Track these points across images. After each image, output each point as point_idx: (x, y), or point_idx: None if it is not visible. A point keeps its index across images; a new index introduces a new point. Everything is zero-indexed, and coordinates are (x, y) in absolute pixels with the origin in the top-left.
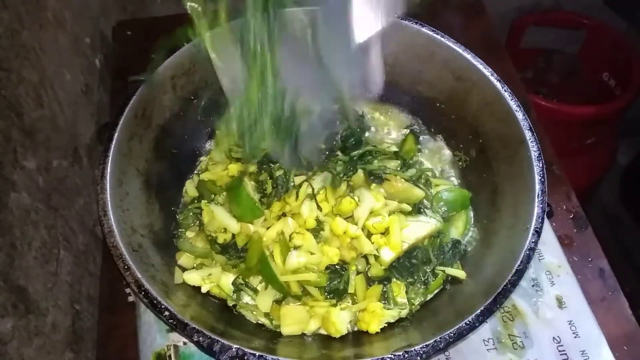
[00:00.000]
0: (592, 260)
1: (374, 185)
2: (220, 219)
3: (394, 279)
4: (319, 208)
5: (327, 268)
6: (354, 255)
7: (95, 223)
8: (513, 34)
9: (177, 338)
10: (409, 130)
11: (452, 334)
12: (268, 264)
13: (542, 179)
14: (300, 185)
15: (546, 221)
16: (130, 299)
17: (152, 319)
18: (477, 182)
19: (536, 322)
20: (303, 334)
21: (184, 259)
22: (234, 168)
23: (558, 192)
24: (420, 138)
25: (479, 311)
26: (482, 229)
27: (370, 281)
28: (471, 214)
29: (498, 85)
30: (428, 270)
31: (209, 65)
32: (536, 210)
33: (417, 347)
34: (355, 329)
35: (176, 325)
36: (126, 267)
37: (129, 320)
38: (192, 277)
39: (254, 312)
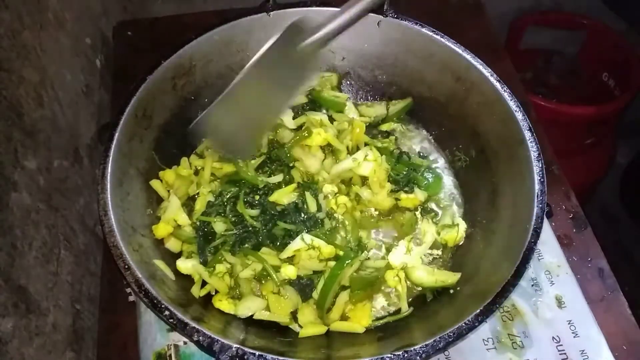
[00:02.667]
0: (591, 260)
1: None
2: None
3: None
4: None
5: None
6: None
7: (96, 223)
8: (512, 35)
9: (177, 338)
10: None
11: (451, 334)
12: None
13: (542, 179)
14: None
15: (546, 221)
16: (131, 298)
17: (152, 319)
18: (476, 182)
19: (536, 322)
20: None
21: (171, 242)
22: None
23: (557, 192)
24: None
25: (478, 311)
26: (482, 229)
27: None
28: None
29: (498, 85)
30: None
31: (209, 65)
32: (535, 210)
33: (417, 347)
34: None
35: (176, 324)
36: (126, 266)
37: (130, 320)
38: (186, 266)
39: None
